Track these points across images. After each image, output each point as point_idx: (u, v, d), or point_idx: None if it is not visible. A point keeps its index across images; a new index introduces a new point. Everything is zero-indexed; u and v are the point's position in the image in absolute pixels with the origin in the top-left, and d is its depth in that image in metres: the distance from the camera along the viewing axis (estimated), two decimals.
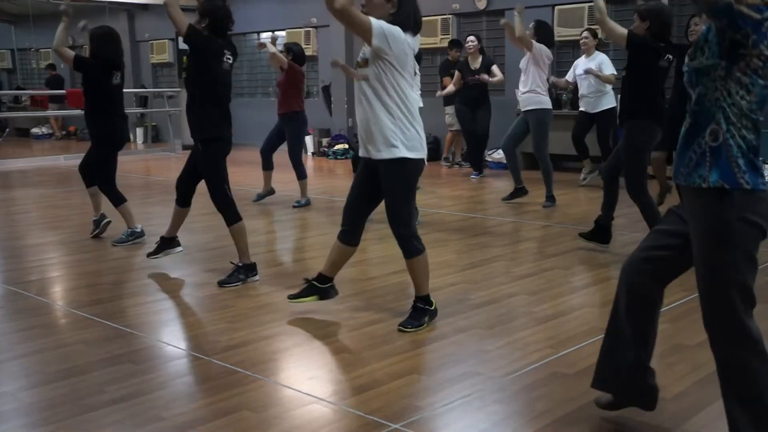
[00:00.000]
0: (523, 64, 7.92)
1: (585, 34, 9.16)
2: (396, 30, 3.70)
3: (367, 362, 3.58)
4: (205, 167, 4.97)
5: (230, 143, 5.04)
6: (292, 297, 4.32)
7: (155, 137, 17.06)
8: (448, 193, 9.20)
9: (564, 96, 10.52)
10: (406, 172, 3.86)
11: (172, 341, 4.02)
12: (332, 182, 10.62)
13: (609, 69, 8.94)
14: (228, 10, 4.98)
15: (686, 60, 2.43)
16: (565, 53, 11.30)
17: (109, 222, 6.54)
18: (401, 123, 3.79)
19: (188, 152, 5.36)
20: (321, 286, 4.29)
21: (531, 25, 7.86)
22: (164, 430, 2.92)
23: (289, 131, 8.07)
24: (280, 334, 4.08)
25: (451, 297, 4.66)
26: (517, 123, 7.98)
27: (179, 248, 5.63)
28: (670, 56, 5.33)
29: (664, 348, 3.77)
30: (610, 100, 9.05)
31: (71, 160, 13.23)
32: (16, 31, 19.82)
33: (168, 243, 5.56)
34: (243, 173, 10.24)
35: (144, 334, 4.08)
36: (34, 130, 18.90)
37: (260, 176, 8.40)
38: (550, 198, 7.80)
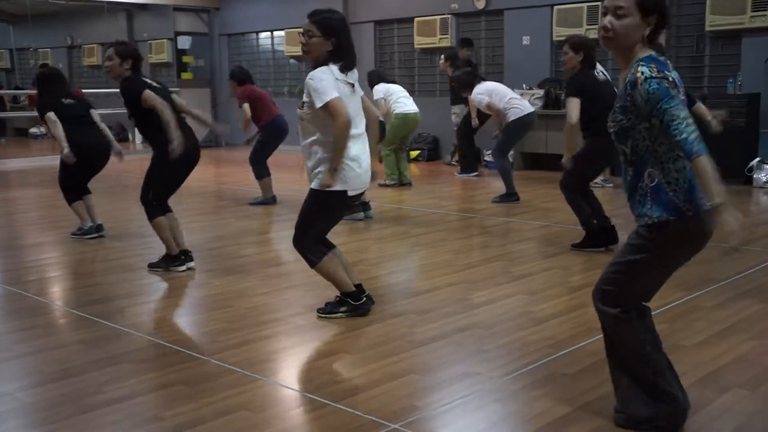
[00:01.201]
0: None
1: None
2: (319, 79, 3.91)
3: (366, 362, 3.58)
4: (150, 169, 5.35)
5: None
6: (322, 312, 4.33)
7: None
8: (447, 193, 9.20)
9: (563, 96, 10.51)
10: (318, 199, 4.07)
11: (170, 341, 4.01)
12: None
13: None
14: (136, 48, 5.53)
15: (609, 123, 2.71)
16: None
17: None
18: (325, 158, 3.99)
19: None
20: (355, 303, 4.29)
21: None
22: (163, 429, 2.92)
23: (261, 137, 8.32)
24: (278, 334, 4.08)
25: (450, 297, 4.66)
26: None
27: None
28: (603, 71, 5.90)
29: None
30: None
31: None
32: (15, 31, 19.81)
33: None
34: (242, 173, 10.23)
35: (143, 334, 4.07)
36: (33, 130, 18.89)
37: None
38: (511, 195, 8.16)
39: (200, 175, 8.93)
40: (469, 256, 5.78)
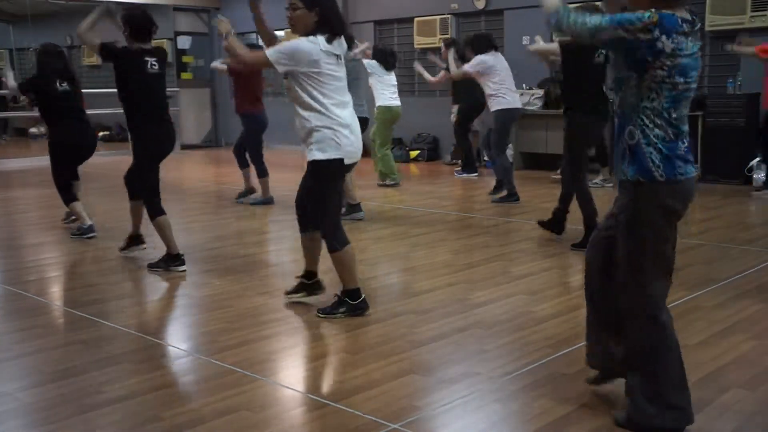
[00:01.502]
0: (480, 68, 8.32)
1: None
2: (295, 44, 3.98)
3: (366, 362, 3.58)
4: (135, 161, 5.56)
5: (162, 145, 5.55)
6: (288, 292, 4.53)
7: None
8: (447, 193, 9.20)
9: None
10: (317, 170, 4.08)
11: (170, 341, 4.01)
12: None
13: None
14: (145, 16, 5.30)
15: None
16: None
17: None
18: (317, 127, 4.03)
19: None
20: (308, 282, 4.49)
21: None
22: (163, 430, 2.92)
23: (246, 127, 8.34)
24: (278, 334, 4.08)
25: (450, 297, 4.66)
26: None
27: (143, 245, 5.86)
28: (603, 51, 5.65)
29: None
30: None
31: None
32: (15, 31, 19.80)
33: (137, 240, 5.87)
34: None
35: (142, 334, 4.07)
36: (32, 130, 18.88)
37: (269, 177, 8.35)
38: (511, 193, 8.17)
39: (200, 175, 8.95)
40: (469, 256, 5.78)
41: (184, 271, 5.35)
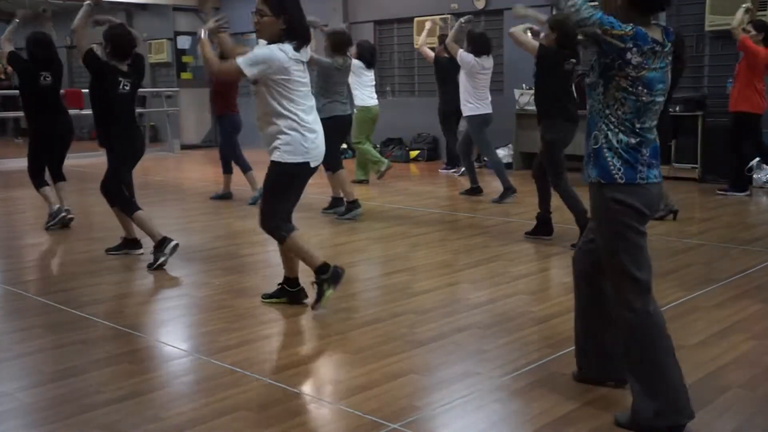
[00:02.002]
0: (460, 74, 8.46)
1: None
2: (268, 52, 4.03)
3: (366, 362, 3.58)
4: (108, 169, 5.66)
5: (132, 153, 5.72)
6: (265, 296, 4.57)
7: (153, 137, 17.04)
8: (446, 192, 9.20)
9: None
10: (279, 171, 4.17)
11: (170, 341, 4.01)
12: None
13: None
14: (128, 37, 5.58)
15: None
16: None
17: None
18: (286, 131, 4.10)
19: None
20: (291, 290, 4.51)
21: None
22: (162, 429, 2.92)
23: (223, 130, 8.63)
24: (278, 334, 4.08)
25: (450, 297, 4.66)
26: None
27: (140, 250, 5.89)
28: (573, 60, 5.92)
29: None
30: None
31: (69, 159, 13.18)
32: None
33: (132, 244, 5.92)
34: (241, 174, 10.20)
35: (142, 333, 4.07)
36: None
37: (260, 177, 8.38)
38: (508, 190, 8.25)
39: (200, 175, 8.94)
40: (469, 256, 5.78)
41: (142, 254, 5.67)
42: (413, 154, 12.49)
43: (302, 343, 4.04)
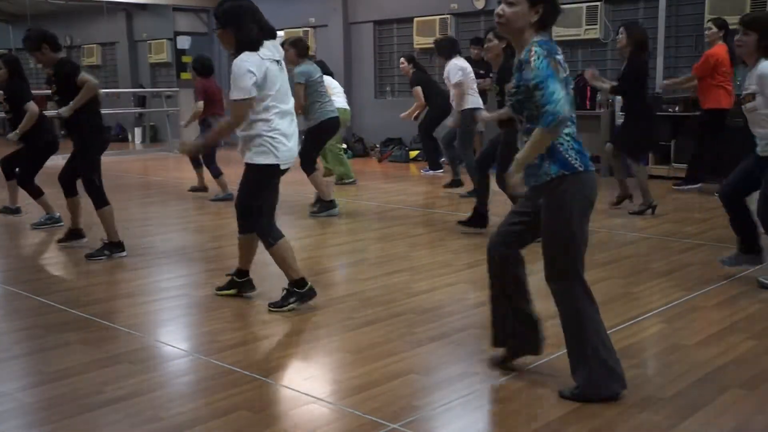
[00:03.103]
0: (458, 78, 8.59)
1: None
2: (236, 70, 4.08)
3: (366, 362, 3.59)
4: (81, 163, 5.82)
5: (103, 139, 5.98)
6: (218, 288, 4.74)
7: (153, 137, 17.05)
8: (446, 192, 9.20)
9: None
10: (252, 173, 4.29)
11: (170, 341, 4.02)
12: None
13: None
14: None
15: (507, 98, 3.17)
16: (563, 53, 11.27)
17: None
18: (259, 134, 4.20)
19: None
20: (239, 281, 4.66)
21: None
22: (162, 429, 2.92)
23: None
24: (277, 334, 4.08)
25: (450, 297, 4.66)
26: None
27: (85, 239, 6.25)
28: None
29: (661, 347, 3.79)
30: None
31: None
32: (14, 31, 19.79)
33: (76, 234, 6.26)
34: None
35: (142, 334, 4.08)
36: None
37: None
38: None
39: (207, 177, 8.95)
40: (469, 256, 5.78)
41: (125, 257, 5.78)
42: (413, 154, 12.50)
43: (302, 343, 4.04)
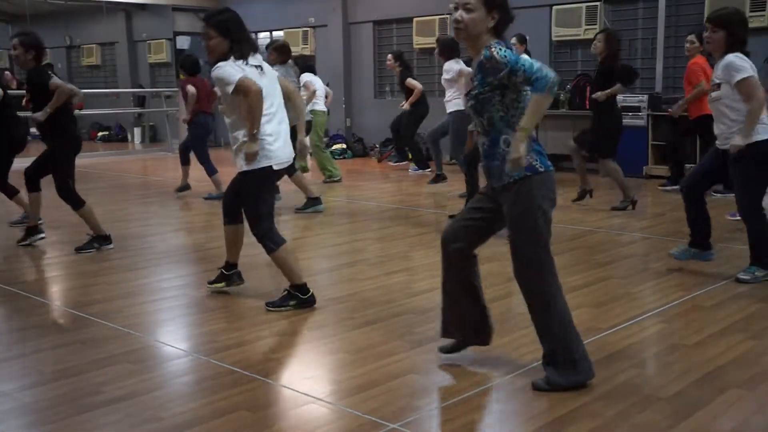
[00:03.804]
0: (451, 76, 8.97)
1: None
2: (229, 73, 4.16)
3: (365, 362, 3.59)
4: (54, 166, 5.94)
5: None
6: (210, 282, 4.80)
7: (153, 137, 17.05)
8: (445, 192, 9.20)
9: (561, 96, 10.50)
10: (247, 179, 4.33)
11: (169, 341, 4.02)
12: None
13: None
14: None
15: (467, 100, 3.22)
16: (563, 53, 11.30)
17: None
18: (243, 138, 4.24)
19: None
20: (228, 273, 4.77)
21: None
22: (162, 429, 2.92)
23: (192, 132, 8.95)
24: (277, 334, 4.08)
25: None
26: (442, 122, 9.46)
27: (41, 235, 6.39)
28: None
29: (660, 348, 3.79)
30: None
31: None
32: (13, 31, 19.79)
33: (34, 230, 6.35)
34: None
35: (141, 334, 4.08)
36: (31, 130, 18.86)
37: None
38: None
39: (199, 175, 8.95)
40: None
41: (112, 248, 5.98)
42: (410, 156, 12.46)
43: (302, 343, 4.04)
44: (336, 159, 13.10)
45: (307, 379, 3.48)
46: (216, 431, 2.90)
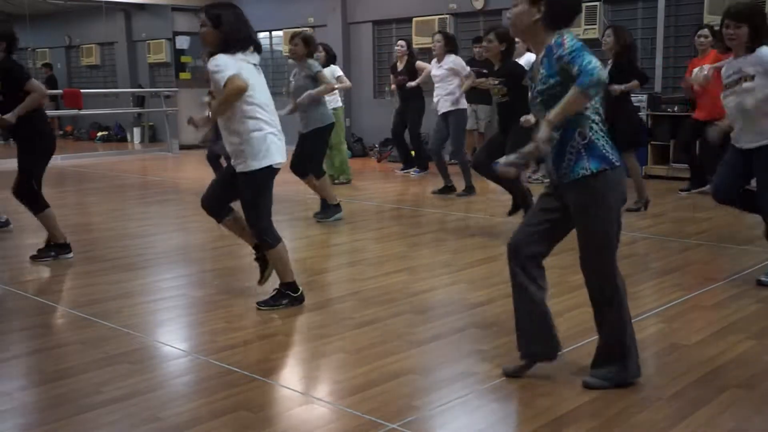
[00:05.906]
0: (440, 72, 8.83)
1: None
2: (216, 63, 4.12)
3: (364, 362, 3.59)
4: (22, 167, 5.62)
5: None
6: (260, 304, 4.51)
7: (152, 137, 17.04)
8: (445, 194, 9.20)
9: None
10: (250, 180, 4.30)
11: (169, 341, 4.02)
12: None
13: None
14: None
15: (535, 96, 3.10)
16: None
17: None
18: (249, 139, 4.23)
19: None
20: (294, 295, 4.53)
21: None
22: (161, 430, 2.92)
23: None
24: (277, 334, 4.08)
25: (449, 297, 4.66)
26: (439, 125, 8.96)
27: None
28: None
29: (660, 347, 3.79)
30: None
31: (68, 160, 13.21)
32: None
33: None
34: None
35: (141, 334, 4.08)
36: None
37: None
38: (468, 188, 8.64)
39: (199, 175, 8.95)
40: (468, 256, 5.78)
41: (72, 258, 5.70)
42: (412, 153, 12.46)
43: (301, 343, 4.04)
44: None
45: (306, 379, 3.48)
46: (216, 431, 2.90)
